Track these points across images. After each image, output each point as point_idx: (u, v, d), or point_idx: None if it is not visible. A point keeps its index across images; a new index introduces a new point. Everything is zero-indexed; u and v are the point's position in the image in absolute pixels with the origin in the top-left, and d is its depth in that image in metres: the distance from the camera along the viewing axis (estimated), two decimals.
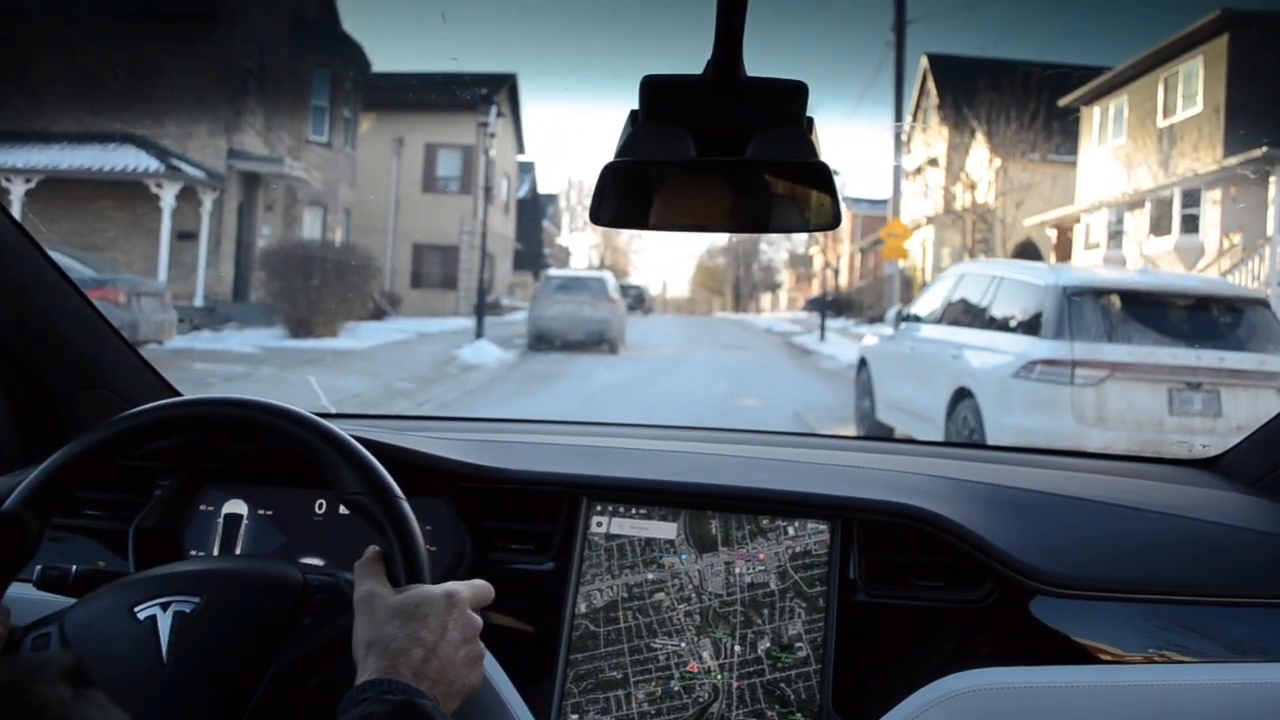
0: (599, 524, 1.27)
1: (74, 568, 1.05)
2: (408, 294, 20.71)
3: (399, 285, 20.94)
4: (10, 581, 0.98)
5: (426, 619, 0.89)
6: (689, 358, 16.30)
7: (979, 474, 1.38)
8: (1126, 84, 17.18)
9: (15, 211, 13.42)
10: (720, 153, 0.89)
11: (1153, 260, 15.62)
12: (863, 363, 8.46)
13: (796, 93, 0.87)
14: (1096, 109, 18.18)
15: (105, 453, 1.03)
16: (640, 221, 0.94)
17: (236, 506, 1.35)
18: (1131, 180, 16.47)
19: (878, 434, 7.84)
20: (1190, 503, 1.32)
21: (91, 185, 14.71)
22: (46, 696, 0.55)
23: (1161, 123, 16.17)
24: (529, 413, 9.23)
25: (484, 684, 1.15)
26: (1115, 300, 5.77)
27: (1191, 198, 14.97)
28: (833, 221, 0.92)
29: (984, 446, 1.84)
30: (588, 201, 0.92)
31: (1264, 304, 5.96)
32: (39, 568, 1.04)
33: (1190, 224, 14.97)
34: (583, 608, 1.23)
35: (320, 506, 1.34)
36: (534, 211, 31.03)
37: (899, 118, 18.67)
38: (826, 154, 0.89)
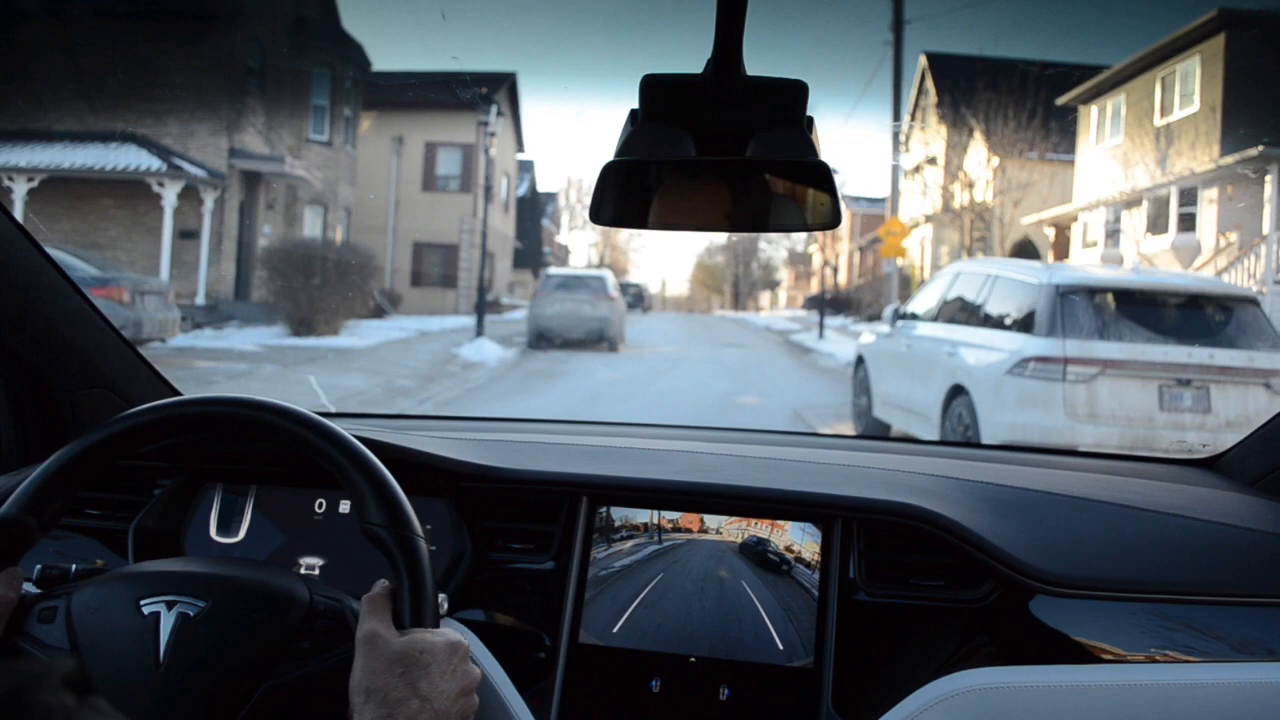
0: (599, 523, 1.28)
1: (74, 566, 1.05)
2: (408, 292, 20.74)
3: (399, 284, 20.97)
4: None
5: (428, 669, 0.88)
6: (688, 356, 16.33)
7: (979, 474, 1.38)
8: (1124, 83, 17.19)
9: (18, 210, 13.51)
10: (720, 152, 0.89)
11: (1150, 258, 15.65)
12: (860, 360, 8.53)
13: (796, 92, 0.88)
14: (1094, 108, 18.19)
15: (106, 452, 1.03)
16: (640, 221, 0.94)
17: (237, 506, 1.35)
18: (1129, 179, 16.50)
19: (875, 431, 7.91)
20: (1190, 502, 1.32)
21: (93, 184, 14.75)
22: (50, 704, 0.55)
23: (1159, 122, 16.19)
24: (530, 410, 9.28)
25: (484, 684, 1.16)
26: (1107, 298, 5.84)
27: (1188, 196, 15.01)
28: (833, 221, 0.92)
29: (984, 446, 1.81)
30: (587, 200, 0.95)
31: (1254, 302, 6.03)
32: (39, 566, 1.03)
33: (1187, 222, 15.02)
34: (582, 607, 1.23)
35: (320, 506, 1.34)
36: (533, 210, 30.99)
37: (897, 117, 18.72)
38: (826, 153, 0.90)
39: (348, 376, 10.77)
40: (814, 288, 31.24)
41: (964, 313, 6.96)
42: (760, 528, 1.24)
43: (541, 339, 15.28)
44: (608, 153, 0.91)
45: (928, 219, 21.55)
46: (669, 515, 1.26)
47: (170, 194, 14.58)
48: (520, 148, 27.18)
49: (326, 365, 11.66)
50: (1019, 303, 6.18)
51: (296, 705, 0.94)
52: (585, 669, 1.20)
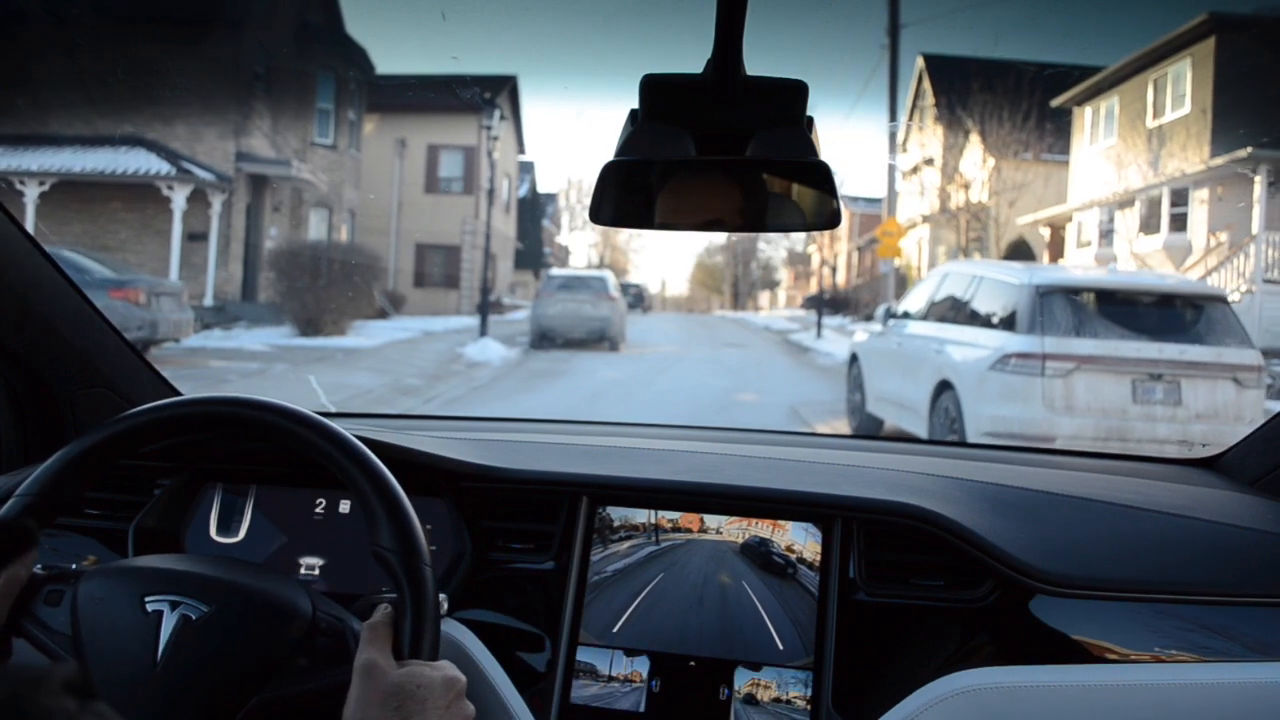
0: (599, 523, 1.27)
1: (74, 566, 1.04)
2: (411, 293, 20.83)
3: (402, 285, 21.07)
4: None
5: (423, 705, 0.87)
6: (688, 355, 16.45)
7: (979, 474, 1.38)
8: (1117, 85, 17.30)
9: (29, 213, 13.84)
10: (720, 152, 0.89)
11: (1143, 258, 15.84)
12: (854, 358, 8.77)
13: (796, 92, 0.87)
14: (1088, 109, 18.31)
15: (107, 452, 1.02)
16: (640, 221, 0.94)
17: (237, 506, 1.34)
18: (1122, 180, 16.62)
19: (868, 425, 8.13)
20: (1190, 502, 1.32)
21: (103, 188, 14.88)
22: (50, 708, 0.54)
23: (1151, 123, 16.31)
24: (536, 407, 9.41)
25: (484, 684, 1.16)
26: (1084, 298, 6.13)
27: (1180, 197, 15.16)
28: (833, 221, 0.91)
29: (984, 446, 1.80)
30: (587, 201, 0.92)
31: (1223, 300, 6.32)
32: (38, 566, 1.02)
33: (1179, 223, 15.17)
34: (582, 607, 1.23)
35: (320, 506, 1.33)
36: (534, 211, 31.01)
37: (893, 118, 18.98)
38: (826, 153, 0.89)
39: (357, 375, 10.94)
40: (813, 287, 31.23)
41: (951, 312, 7.24)
42: (760, 528, 1.24)
43: (544, 339, 15.42)
44: (608, 153, 0.91)
45: (925, 219, 21.62)
46: (669, 515, 1.26)
47: (179, 197, 14.72)
48: (521, 149, 27.33)
49: (335, 365, 11.82)
50: (1002, 302, 6.46)
51: (290, 718, 0.94)
52: (585, 669, 1.20)
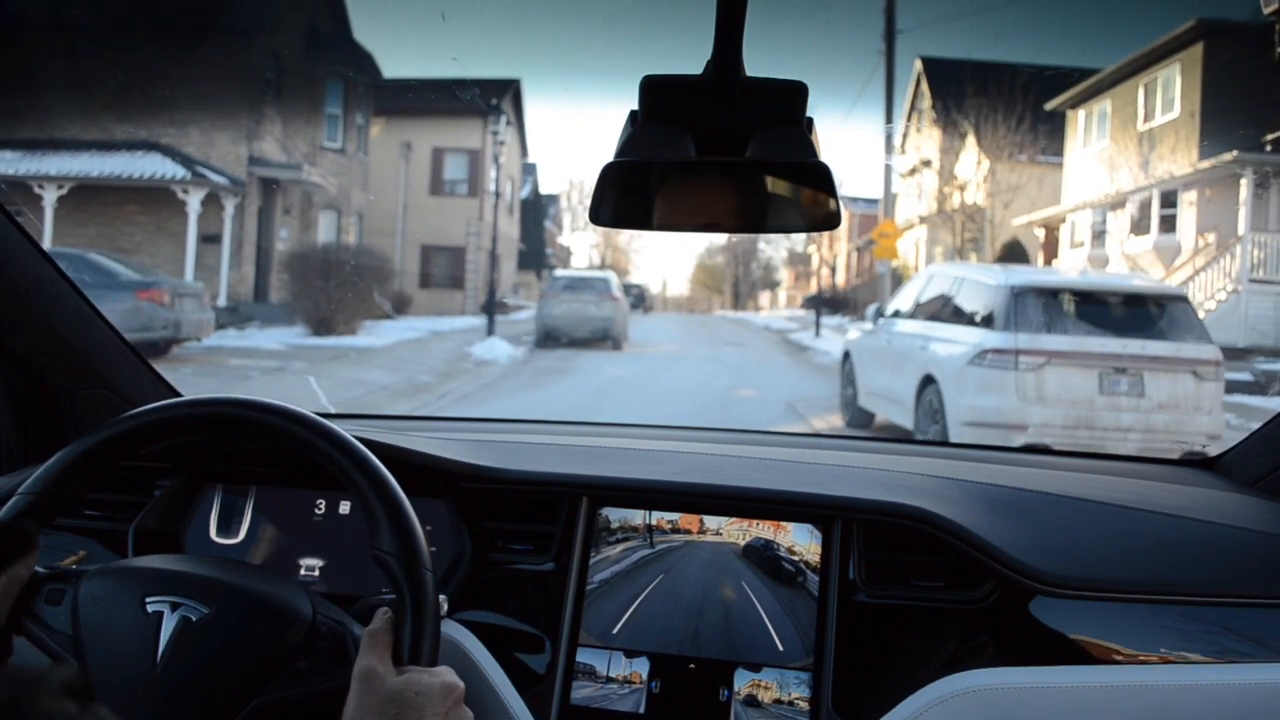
0: (599, 524, 1.26)
1: (59, 564, 1.04)
2: (416, 294, 21.02)
3: (408, 285, 21.26)
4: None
5: (422, 712, 0.87)
6: (689, 354, 16.68)
7: (979, 474, 1.37)
8: (1110, 89, 17.47)
9: (48, 216, 14.35)
10: (720, 153, 0.88)
11: (1134, 258, 16.08)
12: (846, 355, 9.14)
13: (796, 93, 0.86)
14: (1082, 112, 18.49)
15: (108, 453, 1.02)
16: (640, 221, 0.93)
17: (237, 507, 1.33)
18: (1114, 182, 16.83)
19: (860, 419, 8.51)
20: (1190, 503, 1.31)
21: (119, 191, 15.12)
22: (50, 711, 0.53)
23: (1142, 126, 16.51)
24: (544, 402, 9.65)
25: (484, 685, 1.15)
26: (1056, 297, 6.60)
27: (1169, 199, 15.39)
28: (832, 221, 0.91)
29: (984, 447, 1.80)
30: (588, 202, 0.91)
31: (1183, 300, 6.82)
32: (40, 565, 1.01)
33: (1168, 224, 15.43)
34: (582, 608, 1.22)
35: (320, 507, 1.33)
36: (536, 212, 31.03)
37: (889, 120, 19.34)
38: (825, 153, 0.88)
39: (372, 373, 11.22)
40: (814, 288, 31.12)
41: (935, 311, 7.68)
42: (760, 529, 1.23)
43: (549, 338, 15.63)
44: (608, 154, 0.90)
45: (922, 220, 21.75)
46: (669, 516, 1.25)
47: (194, 200, 14.97)
48: (524, 152, 27.44)
49: (350, 363, 12.09)
50: (981, 302, 6.94)
51: None
52: (585, 670, 1.19)
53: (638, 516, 1.27)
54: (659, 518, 1.26)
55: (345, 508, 1.32)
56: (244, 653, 0.94)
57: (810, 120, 0.89)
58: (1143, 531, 1.23)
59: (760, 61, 0.87)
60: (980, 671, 1.13)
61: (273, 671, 0.93)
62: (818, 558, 1.21)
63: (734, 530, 1.24)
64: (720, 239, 39.40)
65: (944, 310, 7.57)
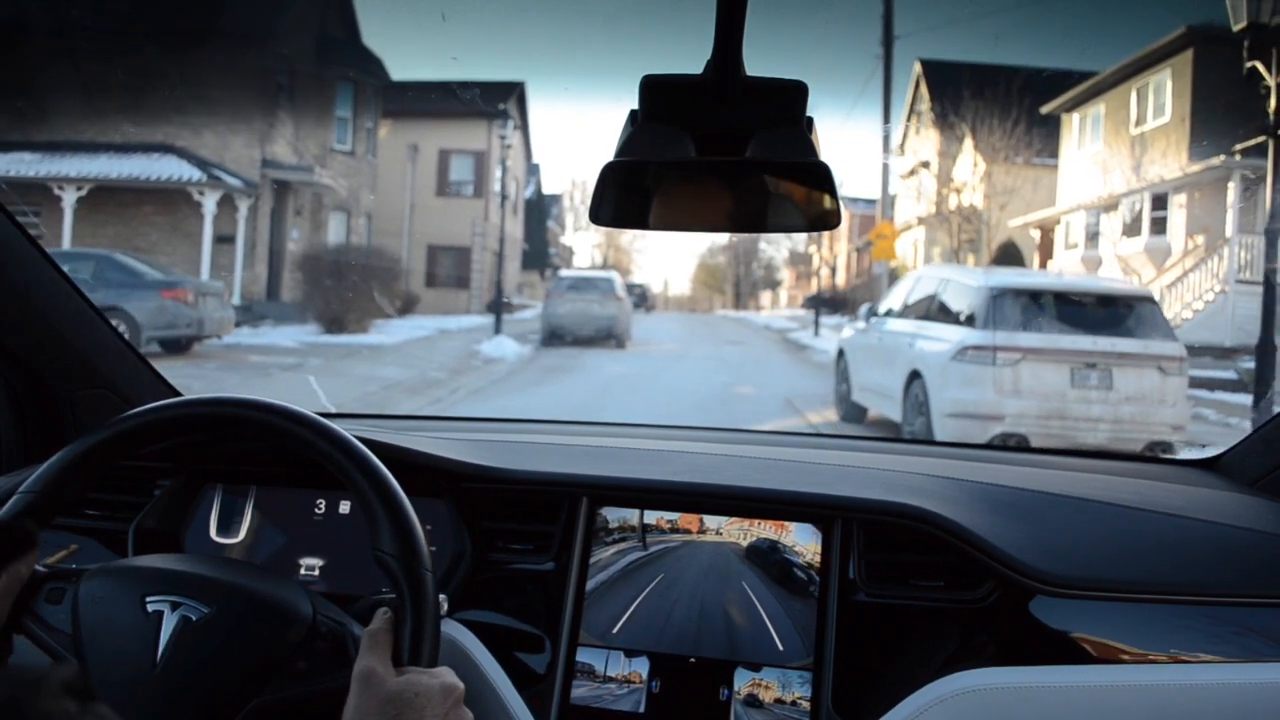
0: (599, 524, 1.25)
1: (73, 566, 1.03)
2: (423, 293, 21.25)
3: (415, 285, 21.41)
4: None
5: (421, 713, 0.86)
6: (691, 352, 16.87)
7: (979, 474, 1.36)
8: (1103, 93, 17.62)
9: (67, 217, 14.84)
10: (720, 152, 0.87)
11: (1126, 260, 16.03)
12: (840, 353, 9.50)
13: (796, 92, 0.86)
14: (1076, 116, 18.64)
15: (109, 453, 1.01)
16: (640, 221, 0.92)
17: (237, 507, 1.33)
18: (1107, 184, 16.96)
19: (853, 413, 8.77)
20: (1190, 503, 1.30)
21: (136, 193, 15.36)
22: (50, 711, 0.53)
23: (1134, 130, 16.67)
24: (552, 397, 9.85)
25: (484, 684, 1.14)
26: (1032, 298, 7.02)
27: (1160, 201, 15.56)
28: (832, 221, 0.90)
29: (984, 446, 1.78)
30: (590, 202, 0.90)
31: (1151, 300, 7.26)
32: (40, 564, 1.00)
33: (1159, 226, 15.60)
34: (582, 607, 1.21)
35: (320, 507, 1.32)
36: (539, 212, 31.15)
37: (887, 120, 19.64)
38: (825, 153, 0.88)
39: (385, 369, 11.45)
40: (815, 287, 31.10)
41: (922, 311, 8.05)
42: (760, 528, 1.22)
43: (554, 336, 15.87)
44: (609, 154, 0.90)
45: (920, 221, 21.89)
46: (669, 516, 1.25)
47: (210, 202, 15.22)
48: (528, 153, 27.66)
49: (364, 360, 12.31)
50: (963, 302, 7.35)
51: None
52: (585, 670, 1.19)
53: (637, 516, 1.26)
54: (659, 517, 1.25)
55: (345, 508, 1.32)
56: (244, 652, 0.93)
57: (810, 120, 0.88)
58: (1143, 531, 1.23)
59: (760, 61, 0.86)
60: (980, 671, 1.12)
61: (273, 671, 0.93)
62: (818, 557, 1.20)
63: (734, 530, 1.23)
64: (722, 239, 39.34)
65: (930, 310, 7.93)
